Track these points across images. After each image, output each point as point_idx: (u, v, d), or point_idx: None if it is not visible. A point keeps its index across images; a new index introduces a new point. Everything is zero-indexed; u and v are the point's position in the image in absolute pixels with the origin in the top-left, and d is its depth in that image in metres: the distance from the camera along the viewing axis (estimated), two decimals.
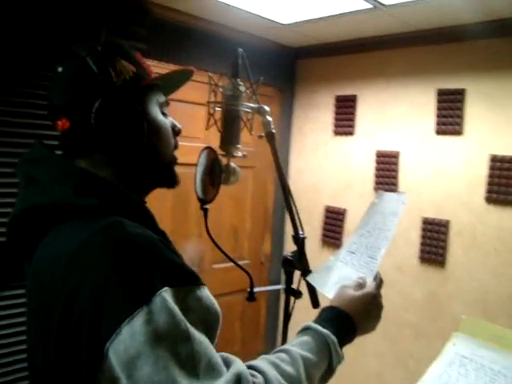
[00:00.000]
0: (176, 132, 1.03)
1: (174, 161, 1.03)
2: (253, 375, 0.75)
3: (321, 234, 3.34)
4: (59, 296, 0.74)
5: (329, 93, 3.27)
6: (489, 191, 2.60)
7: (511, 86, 2.52)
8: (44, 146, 0.96)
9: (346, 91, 3.21)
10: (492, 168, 2.58)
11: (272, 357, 0.86)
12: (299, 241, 1.36)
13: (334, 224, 3.26)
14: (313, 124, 3.39)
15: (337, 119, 3.26)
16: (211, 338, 0.75)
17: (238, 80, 1.32)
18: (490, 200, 2.60)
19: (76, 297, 0.72)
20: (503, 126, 2.55)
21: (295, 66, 3.46)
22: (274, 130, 1.37)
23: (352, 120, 3.18)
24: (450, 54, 2.72)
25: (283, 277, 1.40)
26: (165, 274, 0.72)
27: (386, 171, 3.00)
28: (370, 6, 2.46)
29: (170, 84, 1.04)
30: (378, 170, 3.04)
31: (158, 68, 2.74)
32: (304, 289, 1.31)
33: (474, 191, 2.65)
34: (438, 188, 2.78)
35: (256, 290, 1.39)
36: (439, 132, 2.78)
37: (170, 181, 1.03)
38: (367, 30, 2.87)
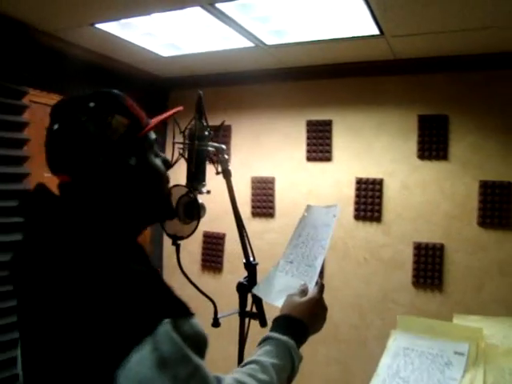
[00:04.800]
0: (167, 166, 1.10)
1: (169, 195, 1.13)
2: None
3: (200, 258, 3.45)
4: (67, 329, 0.81)
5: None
6: (356, 209, 2.98)
7: (371, 118, 2.96)
8: (46, 190, 0.99)
9: (220, 121, 3.38)
10: (358, 189, 2.98)
11: (245, 369, 0.99)
12: (251, 267, 1.50)
13: (213, 248, 3.39)
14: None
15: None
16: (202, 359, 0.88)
17: (203, 121, 1.43)
18: (357, 217, 2.99)
19: (86, 330, 0.79)
20: (365, 153, 2.97)
21: (168, 96, 3.55)
22: (230, 168, 1.51)
23: (227, 149, 3.36)
24: (319, 89, 3.08)
25: None
26: (165, 307, 0.83)
27: (263, 196, 3.24)
28: (253, 44, 2.69)
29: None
30: (254, 195, 3.27)
31: (39, 97, 2.64)
32: None
33: (344, 210, 3.01)
34: None
35: (219, 315, 1.49)
36: (310, 159, 3.11)
37: (170, 214, 1.14)
38: (243, 65, 3.09)
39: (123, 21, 2.37)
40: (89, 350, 0.78)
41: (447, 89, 2.79)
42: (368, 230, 2.96)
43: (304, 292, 1.22)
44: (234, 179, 3.24)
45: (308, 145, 3.12)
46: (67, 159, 0.95)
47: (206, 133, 1.42)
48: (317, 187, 3.10)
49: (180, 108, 1.14)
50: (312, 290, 1.23)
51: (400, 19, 2.26)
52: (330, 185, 3.06)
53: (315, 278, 1.26)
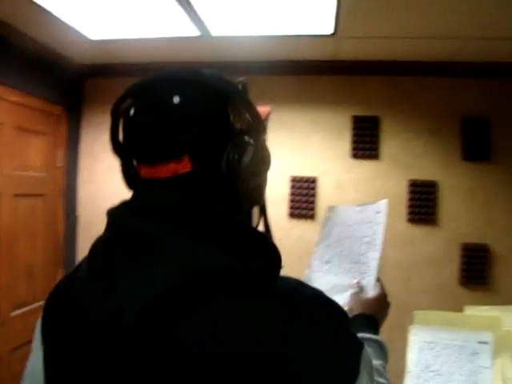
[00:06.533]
0: None
1: None
2: None
3: None
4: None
5: None
6: (291, 207, 2.99)
7: (307, 116, 2.98)
8: (162, 187, 0.75)
9: None
10: (293, 187, 2.99)
11: None
12: None
13: None
14: (104, 146, 3.21)
15: None
16: None
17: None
18: (292, 215, 2.99)
19: (283, 367, 0.64)
20: (301, 151, 2.99)
21: (84, 85, 3.22)
22: None
23: None
24: (253, 86, 3.01)
25: None
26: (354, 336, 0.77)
27: None
28: (199, 33, 2.54)
29: None
30: None
31: None
32: None
33: (279, 209, 3.00)
34: None
35: None
36: None
37: None
38: (179, 55, 2.91)
39: None
40: None
41: (380, 91, 2.93)
42: (302, 227, 2.98)
43: (362, 289, 1.21)
44: None
45: None
46: (195, 138, 0.74)
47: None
48: None
49: (270, 107, 1.01)
50: (375, 286, 1.22)
51: (360, 21, 2.31)
52: None
53: (370, 272, 1.24)
